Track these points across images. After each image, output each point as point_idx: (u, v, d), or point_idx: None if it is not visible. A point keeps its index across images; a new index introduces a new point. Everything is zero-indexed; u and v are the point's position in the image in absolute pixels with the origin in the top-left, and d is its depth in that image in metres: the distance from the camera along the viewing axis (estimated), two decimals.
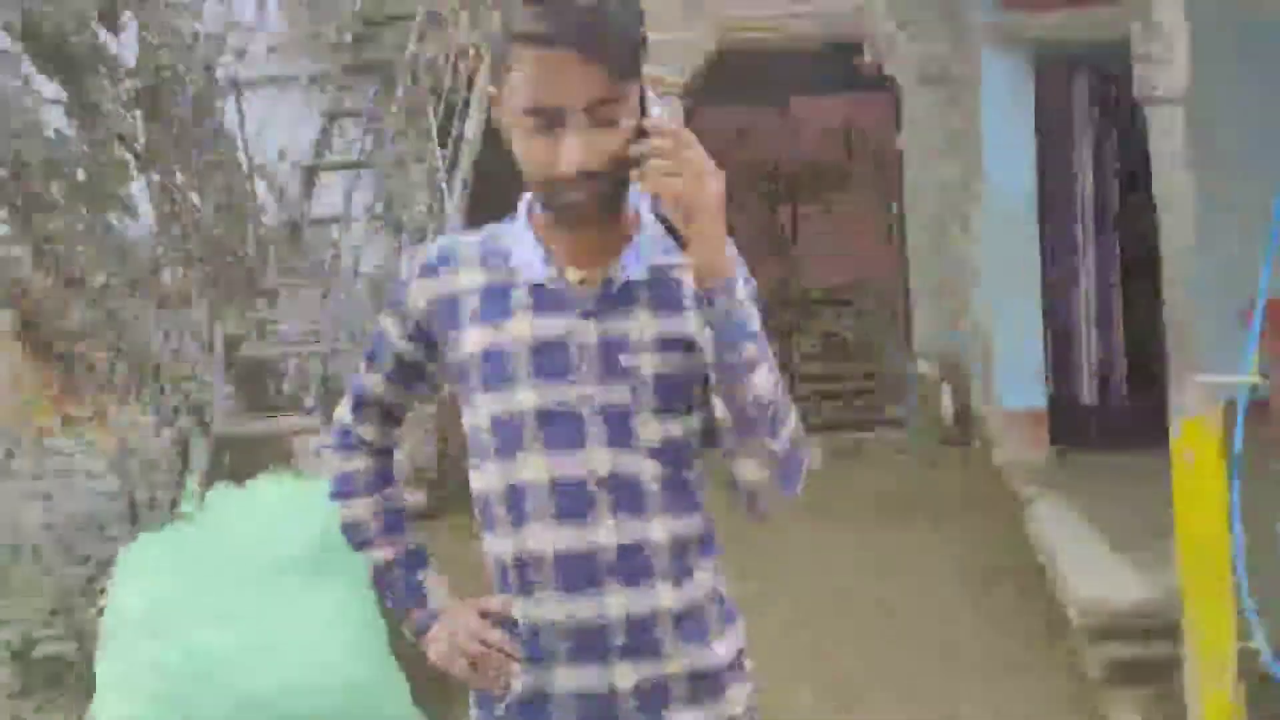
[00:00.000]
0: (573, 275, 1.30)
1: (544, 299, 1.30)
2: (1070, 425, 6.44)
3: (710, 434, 1.31)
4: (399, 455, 1.52)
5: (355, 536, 1.47)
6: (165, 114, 4.81)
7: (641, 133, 1.21)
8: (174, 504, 3.91)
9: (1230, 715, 3.14)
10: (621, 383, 1.28)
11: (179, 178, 4.88)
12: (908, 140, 7.27)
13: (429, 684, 3.24)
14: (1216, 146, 4.52)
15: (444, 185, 5.20)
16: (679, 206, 1.18)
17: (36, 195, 4.38)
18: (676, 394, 1.29)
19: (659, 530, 1.29)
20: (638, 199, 1.31)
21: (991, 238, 6.46)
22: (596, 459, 1.27)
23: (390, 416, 1.48)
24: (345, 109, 6.01)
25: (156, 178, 4.80)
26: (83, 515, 4.03)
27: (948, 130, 7.07)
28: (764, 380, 1.23)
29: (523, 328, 1.30)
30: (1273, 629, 3.10)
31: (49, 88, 4.60)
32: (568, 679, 1.30)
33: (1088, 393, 6.65)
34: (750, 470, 1.27)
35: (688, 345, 1.28)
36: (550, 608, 1.29)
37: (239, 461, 4.30)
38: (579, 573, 1.28)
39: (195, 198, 4.94)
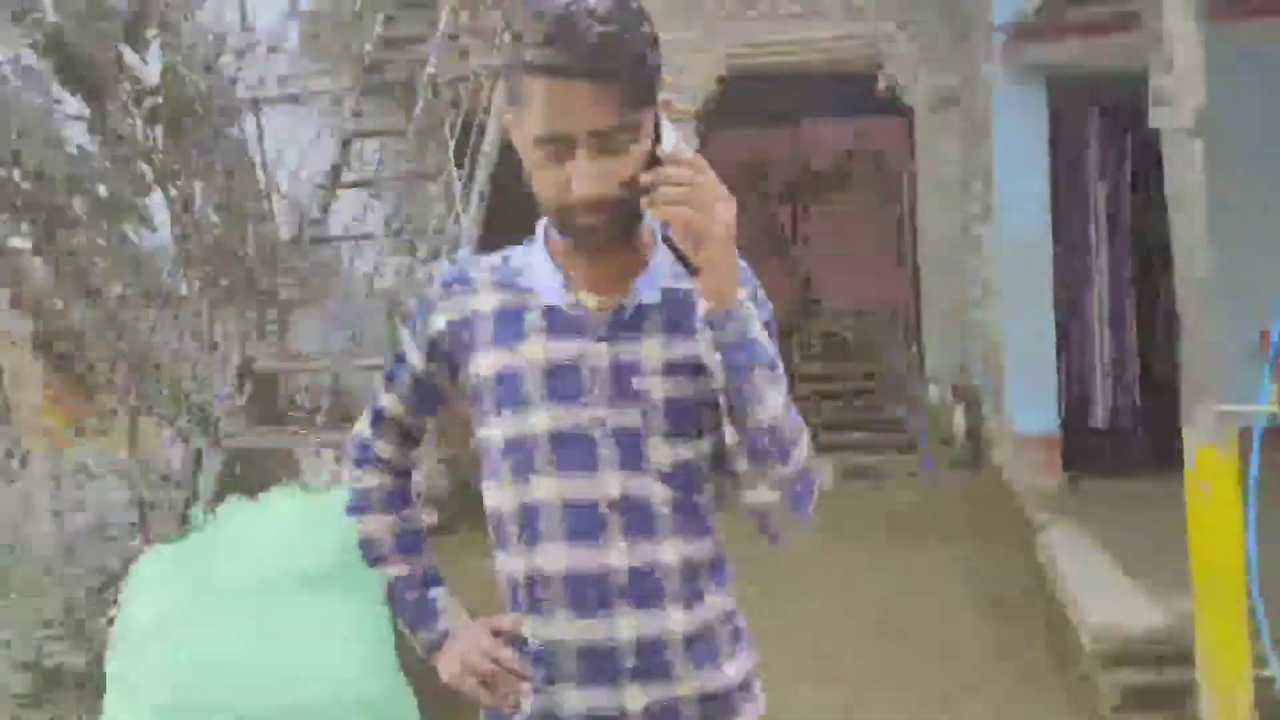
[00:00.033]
0: (588, 299, 1.31)
1: (558, 322, 1.31)
2: (1083, 450, 6.41)
3: (721, 457, 1.31)
4: (416, 476, 1.53)
5: (370, 553, 1.48)
6: (185, 131, 4.86)
7: (654, 159, 1.21)
8: (185, 516, 3.93)
9: None
10: (633, 406, 1.29)
11: (197, 193, 4.93)
12: (920, 164, 7.29)
13: (438, 701, 3.23)
14: (1232, 177, 4.52)
15: (460, 203, 5.23)
16: (688, 234, 1.19)
17: (59, 210, 4.42)
18: (688, 417, 1.30)
19: (670, 553, 1.30)
20: (655, 223, 1.32)
21: (1005, 262, 6.46)
22: (608, 482, 1.28)
23: (408, 436, 1.49)
24: (363, 128, 6.07)
25: (174, 192, 4.85)
26: (94, 525, 4.04)
27: (961, 155, 7.10)
28: (774, 405, 1.23)
29: (536, 350, 1.31)
30: None
31: (71, 103, 4.66)
32: (578, 700, 1.30)
33: (1101, 417, 6.63)
34: (762, 494, 1.28)
35: (698, 369, 1.28)
36: (561, 628, 1.30)
37: (249, 474, 4.32)
38: (590, 594, 1.29)
39: (212, 212, 4.98)
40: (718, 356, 1.23)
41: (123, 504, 4.08)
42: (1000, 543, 5.25)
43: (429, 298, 1.41)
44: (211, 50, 5.12)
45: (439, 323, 1.38)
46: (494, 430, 1.33)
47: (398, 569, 1.46)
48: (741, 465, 1.27)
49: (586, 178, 1.21)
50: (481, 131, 5.48)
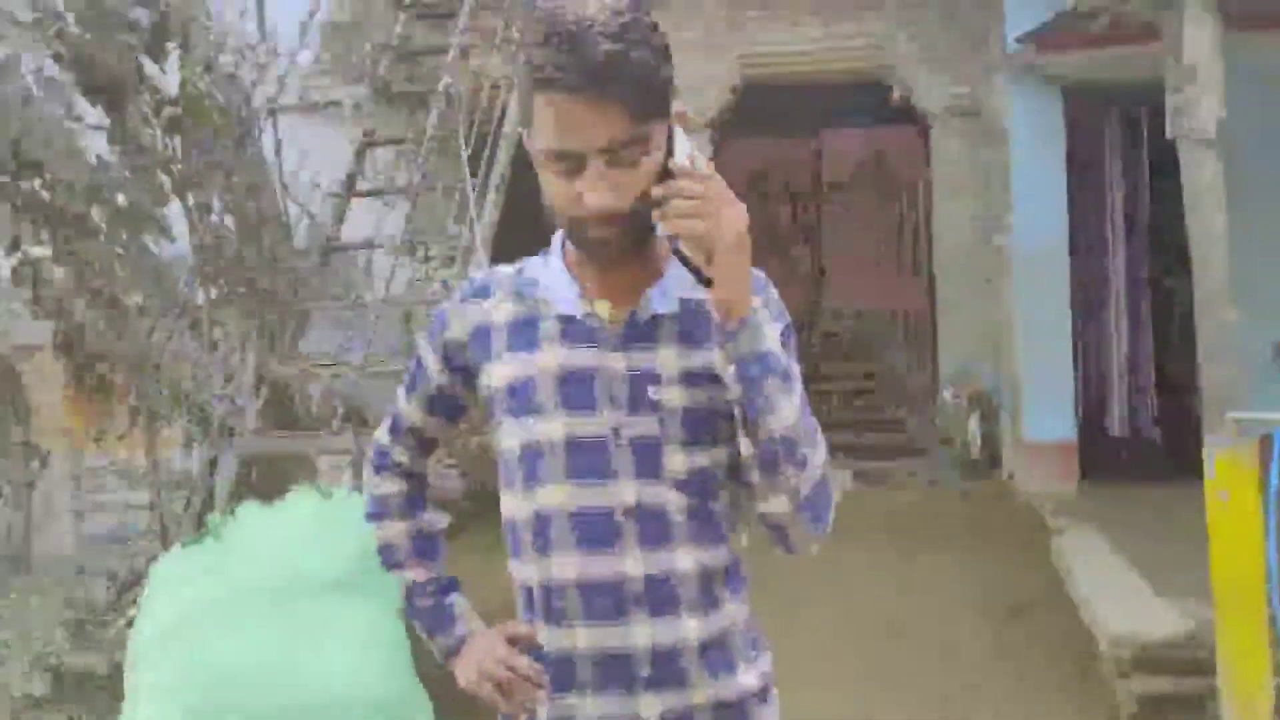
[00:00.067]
0: (603, 309, 1.32)
1: (572, 331, 1.32)
2: (1100, 457, 6.38)
3: (738, 467, 1.31)
4: (433, 481, 1.54)
5: (389, 558, 1.50)
6: (204, 141, 4.91)
7: (667, 172, 1.22)
8: (202, 520, 3.95)
9: None
10: (649, 415, 1.29)
11: (215, 202, 4.97)
12: (937, 172, 7.29)
13: (455, 706, 3.23)
14: (1250, 185, 4.51)
15: (474, 212, 5.26)
16: (699, 247, 1.19)
17: (79, 219, 4.47)
18: (704, 426, 1.30)
19: (685, 560, 1.29)
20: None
21: (1022, 270, 6.45)
22: (623, 490, 1.28)
23: (427, 443, 1.50)
24: (379, 137, 6.11)
25: (192, 201, 4.90)
26: (113, 528, 4.07)
27: (977, 163, 7.09)
28: (788, 415, 1.23)
29: (550, 359, 1.31)
30: None
31: (91, 113, 4.71)
32: (593, 707, 1.30)
33: (1118, 425, 6.59)
34: (776, 505, 1.26)
35: (715, 378, 1.28)
36: (576, 636, 1.30)
37: (266, 478, 4.34)
38: (605, 602, 1.29)
39: (230, 221, 5.03)
40: (731, 367, 1.23)
41: (141, 507, 4.10)
42: (1015, 550, 5.22)
43: (446, 308, 1.42)
44: (230, 61, 5.18)
45: (456, 333, 1.39)
46: (509, 438, 1.33)
47: (415, 574, 1.48)
48: (755, 476, 1.26)
49: (597, 192, 1.21)
50: (496, 140, 5.51)
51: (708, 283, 1.21)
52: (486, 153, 5.43)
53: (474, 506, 4.92)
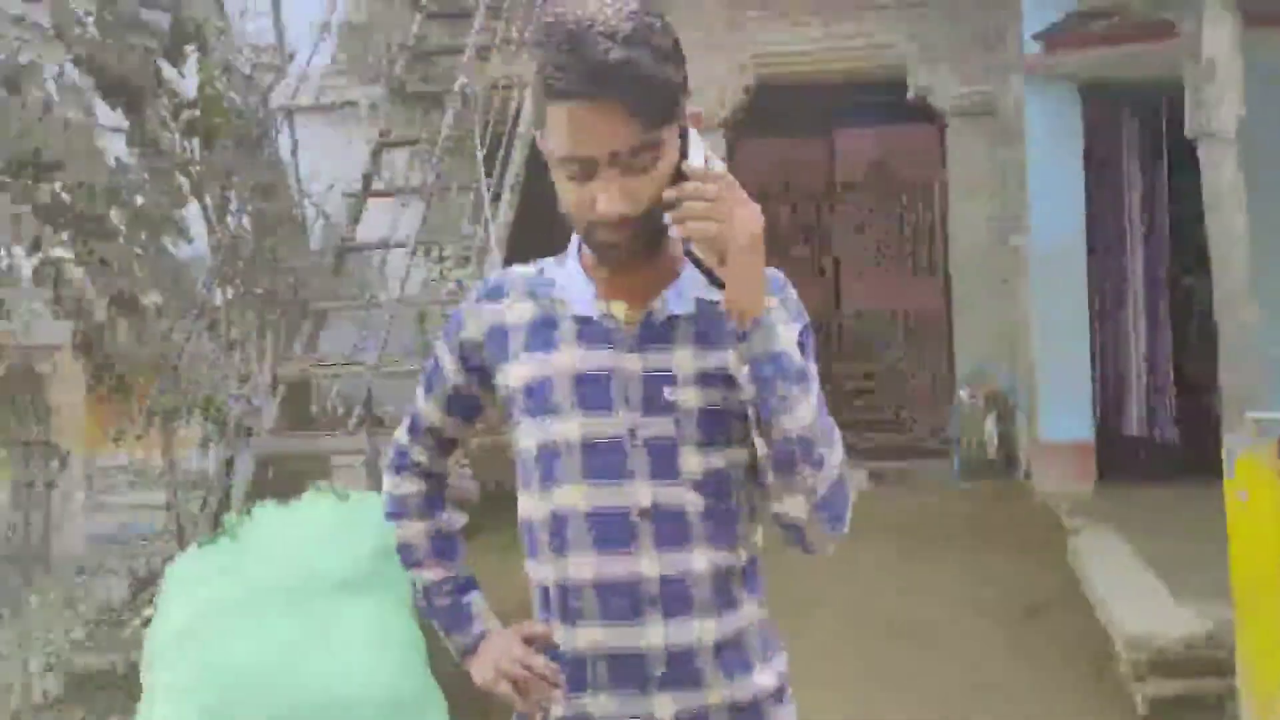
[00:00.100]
0: (619, 310, 1.32)
1: (589, 332, 1.32)
2: (1117, 457, 6.34)
3: (755, 467, 1.30)
4: (451, 481, 1.55)
5: (407, 557, 1.50)
6: (221, 142, 4.95)
7: (680, 174, 1.22)
8: (218, 520, 3.98)
9: None
10: (665, 415, 1.29)
11: (232, 203, 5.01)
12: (952, 172, 7.26)
13: (469, 704, 3.25)
14: (1270, 183, 4.46)
15: (488, 213, 5.27)
16: (712, 248, 1.19)
17: (98, 220, 4.51)
18: (720, 427, 1.29)
19: (701, 561, 1.29)
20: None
21: (1039, 269, 6.41)
22: (639, 490, 1.28)
23: (446, 443, 1.51)
24: (394, 138, 6.14)
25: (210, 202, 4.93)
26: (129, 528, 4.10)
27: (994, 162, 7.06)
28: (804, 418, 1.22)
29: (567, 360, 1.32)
30: None
31: (109, 117, 4.76)
32: (608, 706, 1.31)
33: (1135, 425, 6.54)
34: (792, 506, 1.26)
35: (730, 379, 1.28)
36: (591, 636, 1.30)
37: (281, 478, 4.37)
38: (620, 602, 1.29)
39: (247, 222, 5.07)
40: (745, 368, 1.22)
41: (154, 507, 4.14)
42: (1031, 550, 5.20)
43: (462, 309, 1.42)
44: (247, 63, 5.22)
45: (472, 333, 1.39)
46: (526, 439, 1.33)
47: (433, 573, 1.48)
48: (771, 477, 1.26)
49: (607, 199, 1.21)
50: (511, 140, 5.52)
51: (721, 284, 1.20)
52: (501, 153, 5.44)
53: (485, 506, 4.94)
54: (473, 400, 1.45)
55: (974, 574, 4.96)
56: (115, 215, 4.61)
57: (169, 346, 4.49)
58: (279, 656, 3.18)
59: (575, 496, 1.30)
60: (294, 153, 5.39)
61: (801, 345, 1.28)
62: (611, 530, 1.28)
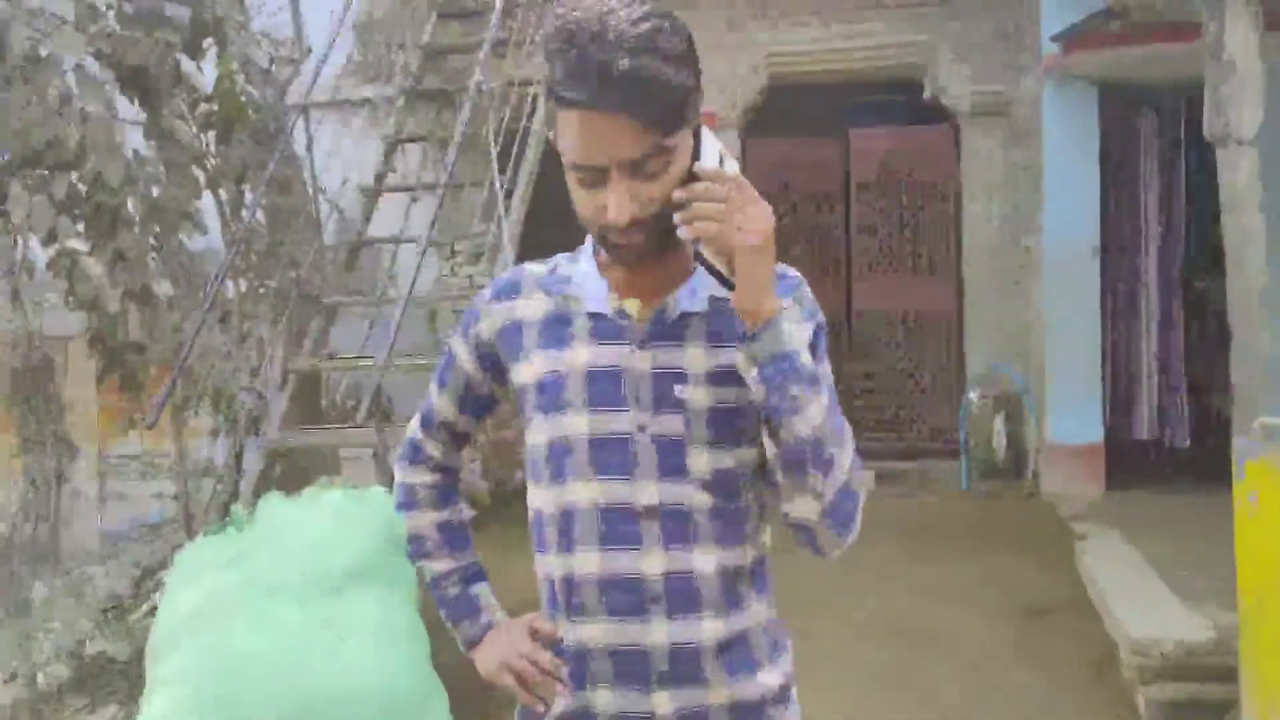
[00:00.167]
0: (633, 307, 1.33)
1: (601, 329, 1.33)
2: (1127, 460, 6.30)
3: (764, 468, 1.31)
4: (464, 476, 1.57)
5: (417, 548, 1.54)
6: (238, 136, 4.99)
7: (692, 176, 1.22)
8: (226, 510, 4.01)
9: None
10: (674, 413, 1.29)
11: (247, 197, 5.05)
12: (967, 172, 7.22)
13: (470, 699, 3.26)
14: None
15: (501, 210, 5.28)
16: (721, 249, 1.19)
17: (115, 212, 4.55)
18: (729, 426, 1.30)
19: (707, 560, 1.29)
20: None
21: (1052, 271, 6.38)
22: (646, 488, 1.29)
23: (459, 437, 1.52)
24: (408, 134, 6.16)
25: (225, 196, 4.97)
26: (139, 518, 4.14)
27: (1008, 163, 7.02)
28: (814, 419, 1.22)
29: (579, 356, 1.32)
30: None
31: (127, 109, 4.80)
32: (610, 701, 1.32)
33: (1146, 428, 6.50)
34: (802, 507, 1.26)
35: (741, 379, 1.27)
36: (595, 631, 1.31)
37: (290, 471, 4.40)
38: (625, 599, 1.29)
39: (261, 216, 5.10)
40: (753, 369, 1.22)
41: (167, 498, 4.17)
42: (1039, 554, 5.17)
43: (477, 305, 1.44)
44: (265, 57, 5.25)
45: (487, 329, 1.40)
46: (538, 434, 1.35)
47: (442, 565, 1.51)
48: (780, 478, 1.26)
49: (618, 204, 1.22)
50: (524, 138, 5.53)
51: (731, 285, 1.21)
52: (515, 150, 5.45)
53: (491, 502, 4.96)
54: (486, 395, 1.46)
55: (980, 577, 4.95)
56: (131, 207, 4.65)
57: (180, 338, 4.52)
58: (281, 648, 3.19)
59: (584, 493, 1.31)
60: (309, 148, 5.42)
61: (813, 346, 1.28)
62: (618, 527, 1.29)
